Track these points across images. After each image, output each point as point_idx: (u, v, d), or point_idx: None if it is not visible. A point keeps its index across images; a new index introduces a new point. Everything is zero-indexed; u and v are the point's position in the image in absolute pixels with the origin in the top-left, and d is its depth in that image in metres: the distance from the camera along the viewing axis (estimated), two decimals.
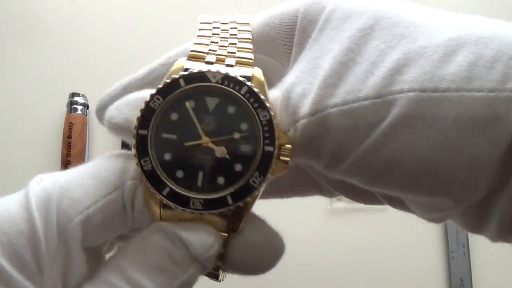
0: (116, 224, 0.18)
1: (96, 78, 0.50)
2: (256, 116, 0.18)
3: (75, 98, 0.51)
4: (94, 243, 0.18)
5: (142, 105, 0.17)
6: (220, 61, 0.19)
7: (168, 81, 0.18)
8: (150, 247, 0.17)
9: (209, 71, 0.18)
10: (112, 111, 0.18)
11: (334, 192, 0.21)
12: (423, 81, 0.16)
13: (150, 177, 0.17)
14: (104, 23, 0.56)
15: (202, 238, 0.17)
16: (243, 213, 0.18)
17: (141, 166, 0.17)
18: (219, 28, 0.19)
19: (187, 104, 0.18)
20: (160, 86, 0.18)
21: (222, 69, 0.18)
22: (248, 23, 0.20)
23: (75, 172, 0.18)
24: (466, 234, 0.45)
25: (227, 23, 0.20)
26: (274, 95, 0.18)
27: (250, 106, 0.18)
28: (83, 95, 0.51)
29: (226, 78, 0.18)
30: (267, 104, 0.18)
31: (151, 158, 0.17)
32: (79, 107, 0.50)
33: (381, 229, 0.47)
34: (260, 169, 0.17)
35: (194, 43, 0.19)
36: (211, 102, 0.18)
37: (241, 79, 0.18)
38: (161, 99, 0.17)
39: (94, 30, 0.56)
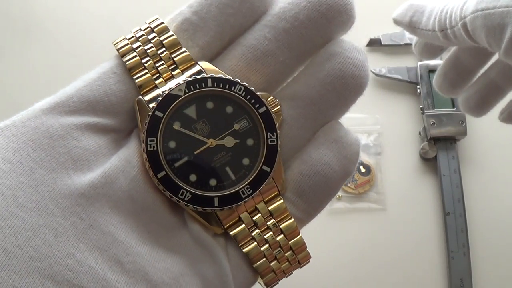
0: None
1: None
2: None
3: None
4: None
5: (144, 154, 0.18)
6: (166, 75, 0.19)
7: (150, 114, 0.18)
8: None
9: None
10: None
11: None
12: None
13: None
14: (105, 23, 0.56)
15: None
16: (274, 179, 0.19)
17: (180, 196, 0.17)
18: (140, 45, 0.20)
19: (174, 126, 0.18)
20: (144, 131, 0.18)
21: (173, 81, 0.19)
22: (162, 23, 0.21)
23: None
24: (466, 234, 0.45)
25: (144, 35, 0.20)
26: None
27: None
28: None
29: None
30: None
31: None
32: None
33: (381, 229, 0.47)
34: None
35: (135, 77, 0.19)
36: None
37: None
38: (154, 139, 0.18)
39: (95, 30, 0.56)
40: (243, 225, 0.18)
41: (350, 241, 0.47)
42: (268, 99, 0.19)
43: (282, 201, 0.19)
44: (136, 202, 0.17)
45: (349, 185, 0.48)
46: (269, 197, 0.19)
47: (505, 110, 0.35)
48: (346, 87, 0.20)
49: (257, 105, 0.18)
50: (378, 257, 0.46)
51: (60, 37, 0.55)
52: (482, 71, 0.34)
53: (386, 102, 0.53)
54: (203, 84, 0.18)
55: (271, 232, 0.19)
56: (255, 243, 0.18)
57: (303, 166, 0.19)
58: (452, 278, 0.43)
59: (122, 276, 0.16)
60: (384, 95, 0.53)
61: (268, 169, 0.18)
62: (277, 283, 0.20)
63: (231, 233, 0.18)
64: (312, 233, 0.48)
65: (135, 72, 0.19)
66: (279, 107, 0.19)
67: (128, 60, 0.19)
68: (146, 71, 0.19)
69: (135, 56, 0.19)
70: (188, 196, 0.18)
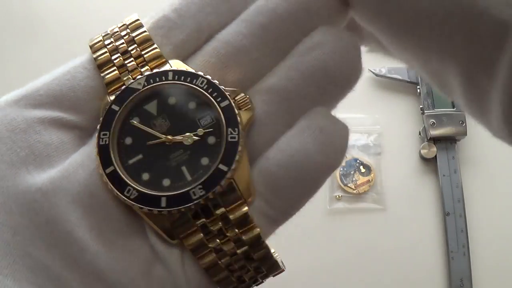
0: None
1: None
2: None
3: None
4: None
5: (96, 148, 0.17)
6: (135, 73, 0.18)
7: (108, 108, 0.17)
8: None
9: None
10: None
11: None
12: None
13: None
14: (107, 22, 0.56)
15: None
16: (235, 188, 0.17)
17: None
18: (111, 41, 0.19)
19: (132, 122, 0.17)
20: (99, 131, 0.17)
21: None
22: (138, 19, 0.20)
23: None
24: (466, 234, 0.45)
25: (118, 32, 0.20)
26: None
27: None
28: None
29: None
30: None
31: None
32: None
33: (381, 229, 0.47)
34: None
35: (103, 73, 0.18)
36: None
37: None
38: (107, 133, 0.17)
39: (96, 29, 0.56)
40: (201, 235, 0.17)
41: (350, 241, 0.47)
42: (238, 96, 0.17)
43: (246, 208, 0.17)
44: (94, 197, 0.17)
45: (349, 185, 0.48)
46: (232, 205, 0.17)
47: None
48: (330, 81, 0.17)
49: (219, 98, 0.17)
50: (378, 257, 0.46)
51: (62, 36, 0.55)
52: None
53: (386, 102, 0.53)
54: (163, 77, 0.17)
55: (232, 244, 0.17)
56: (214, 255, 0.17)
57: (280, 155, 0.17)
58: (452, 278, 0.43)
59: (78, 276, 0.16)
60: (384, 95, 0.53)
61: (226, 168, 0.16)
62: None
63: (185, 244, 0.17)
64: (312, 233, 0.48)
65: (104, 69, 0.18)
66: (248, 101, 0.17)
67: (98, 56, 0.18)
68: (115, 68, 0.18)
69: (105, 52, 0.18)
70: (134, 194, 0.16)
